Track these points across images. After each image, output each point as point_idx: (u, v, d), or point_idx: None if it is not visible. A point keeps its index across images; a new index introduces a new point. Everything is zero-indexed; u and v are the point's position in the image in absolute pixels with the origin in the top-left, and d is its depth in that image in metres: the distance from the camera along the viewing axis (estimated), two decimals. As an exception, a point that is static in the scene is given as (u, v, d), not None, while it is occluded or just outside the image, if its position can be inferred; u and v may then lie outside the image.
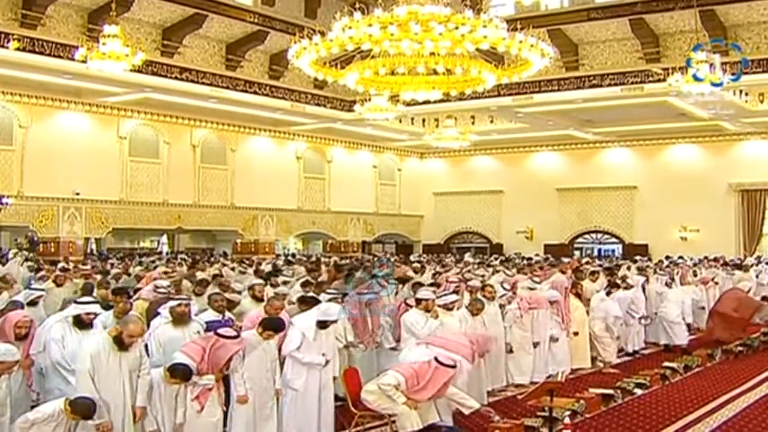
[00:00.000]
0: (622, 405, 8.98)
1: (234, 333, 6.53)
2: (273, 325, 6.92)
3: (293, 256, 24.79)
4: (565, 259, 19.75)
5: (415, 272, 14.68)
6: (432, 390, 6.86)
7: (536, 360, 10.33)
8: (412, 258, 22.03)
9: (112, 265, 17.41)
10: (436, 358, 7.05)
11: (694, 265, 19.29)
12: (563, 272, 14.17)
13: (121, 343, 5.87)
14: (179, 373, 6.07)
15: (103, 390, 5.74)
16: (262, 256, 24.53)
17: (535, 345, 10.22)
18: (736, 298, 13.50)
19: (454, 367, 7.01)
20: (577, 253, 28.69)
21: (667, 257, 23.20)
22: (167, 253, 26.29)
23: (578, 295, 11.42)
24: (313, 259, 21.37)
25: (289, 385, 7.10)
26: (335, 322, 7.48)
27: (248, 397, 6.61)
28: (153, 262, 18.88)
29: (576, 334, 10.92)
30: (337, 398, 7.87)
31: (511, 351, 9.92)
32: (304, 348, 7.15)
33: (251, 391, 6.66)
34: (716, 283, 16.59)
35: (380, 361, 8.78)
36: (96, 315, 6.88)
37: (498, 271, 15.93)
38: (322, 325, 7.28)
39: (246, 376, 6.65)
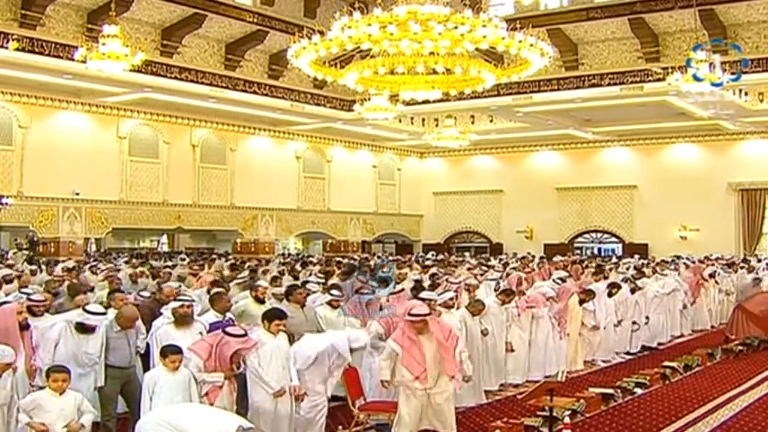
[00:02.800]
0: (622, 405, 8.98)
1: (241, 332, 6.54)
2: (276, 315, 6.89)
3: (310, 257, 24.68)
4: (560, 258, 19.81)
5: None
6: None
7: (535, 359, 10.36)
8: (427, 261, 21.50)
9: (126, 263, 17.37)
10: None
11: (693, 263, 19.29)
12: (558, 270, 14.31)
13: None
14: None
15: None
16: (263, 255, 24.55)
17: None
18: (765, 301, 13.51)
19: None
20: (577, 252, 28.70)
21: (653, 258, 23.10)
22: (167, 253, 26.31)
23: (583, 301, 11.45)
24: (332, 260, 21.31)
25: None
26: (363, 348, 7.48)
27: (283, 390, 6.60)
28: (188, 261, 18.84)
29: (567, 335, 10.94)
30: (337, 398, 7.88)
31: (512, 350, 9.94)
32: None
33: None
34: (716, 282, 16.53)
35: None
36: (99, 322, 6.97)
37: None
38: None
39: (266, 377, 6.64)
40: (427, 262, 19.06)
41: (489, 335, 9.39)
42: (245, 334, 6.52)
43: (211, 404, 6.24)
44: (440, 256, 23.42)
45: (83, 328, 6.82)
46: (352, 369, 7.75)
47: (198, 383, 6.16)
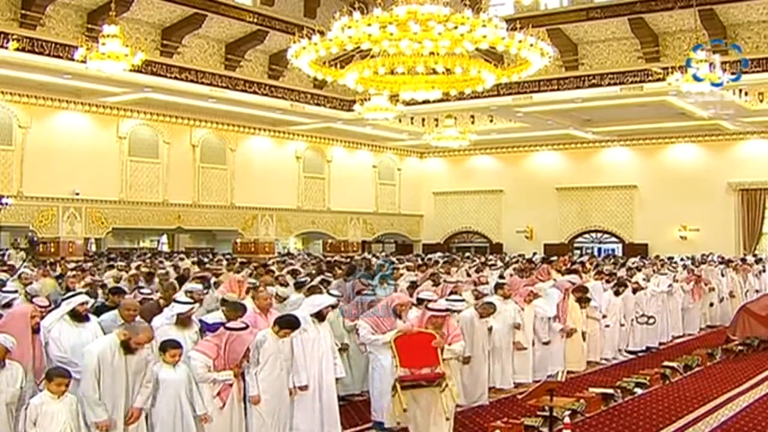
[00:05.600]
0: (622, 405, 8.99)
1: (243, 324, 6.58)
2: (290, 323, 6.90)
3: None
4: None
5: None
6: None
7: (537, 359, 10.36)
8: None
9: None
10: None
11: (693, 263, 19.25)
12: (558, 270, 14.30)
13: (128, 347, 5.96)
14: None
15: (106, 389, 5.80)
16: (262, 255, 24.55)
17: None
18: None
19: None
20: (577, 252, 28.69)
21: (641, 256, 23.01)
22: (167, 253, 26.28)
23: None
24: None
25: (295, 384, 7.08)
26: (331, 307, 7.47)
27: (260, 398, 6.62)
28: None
29: (569, 335, 10.91)
30: (342, 398, 7.91)
31: (520, 348, 9.93)
32: (303, 344, 7.14)
33: (266, 392, 6.66)
34: (712, 289, 16.32)
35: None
36: (87, 303, 7.00)
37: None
38: (318, 316, 7.29)
39: (261, 377, 6.66)
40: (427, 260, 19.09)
41: (494, 333, 9.39)
42: (248, 326, 6.60)
43: (224, 403, 6.32)
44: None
45: (77, 317, 6.86)
46: (404, 336, 7.15)
47: (208, 382, 6.29)
